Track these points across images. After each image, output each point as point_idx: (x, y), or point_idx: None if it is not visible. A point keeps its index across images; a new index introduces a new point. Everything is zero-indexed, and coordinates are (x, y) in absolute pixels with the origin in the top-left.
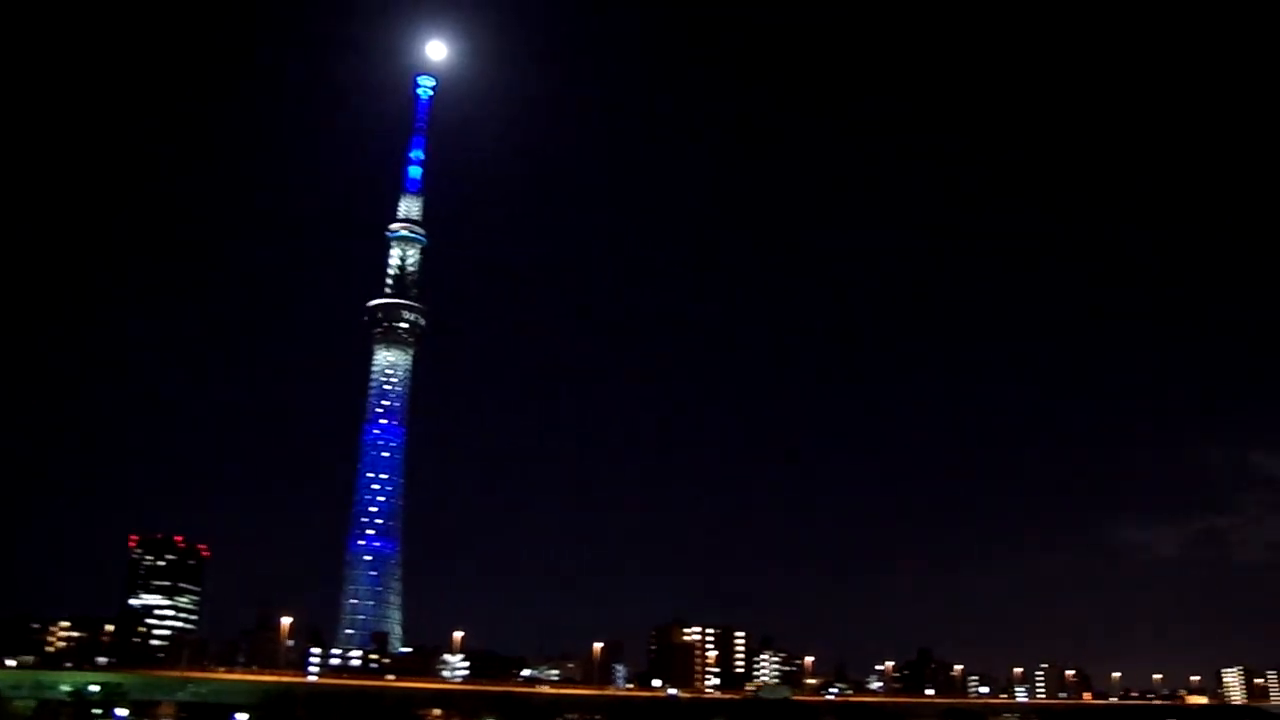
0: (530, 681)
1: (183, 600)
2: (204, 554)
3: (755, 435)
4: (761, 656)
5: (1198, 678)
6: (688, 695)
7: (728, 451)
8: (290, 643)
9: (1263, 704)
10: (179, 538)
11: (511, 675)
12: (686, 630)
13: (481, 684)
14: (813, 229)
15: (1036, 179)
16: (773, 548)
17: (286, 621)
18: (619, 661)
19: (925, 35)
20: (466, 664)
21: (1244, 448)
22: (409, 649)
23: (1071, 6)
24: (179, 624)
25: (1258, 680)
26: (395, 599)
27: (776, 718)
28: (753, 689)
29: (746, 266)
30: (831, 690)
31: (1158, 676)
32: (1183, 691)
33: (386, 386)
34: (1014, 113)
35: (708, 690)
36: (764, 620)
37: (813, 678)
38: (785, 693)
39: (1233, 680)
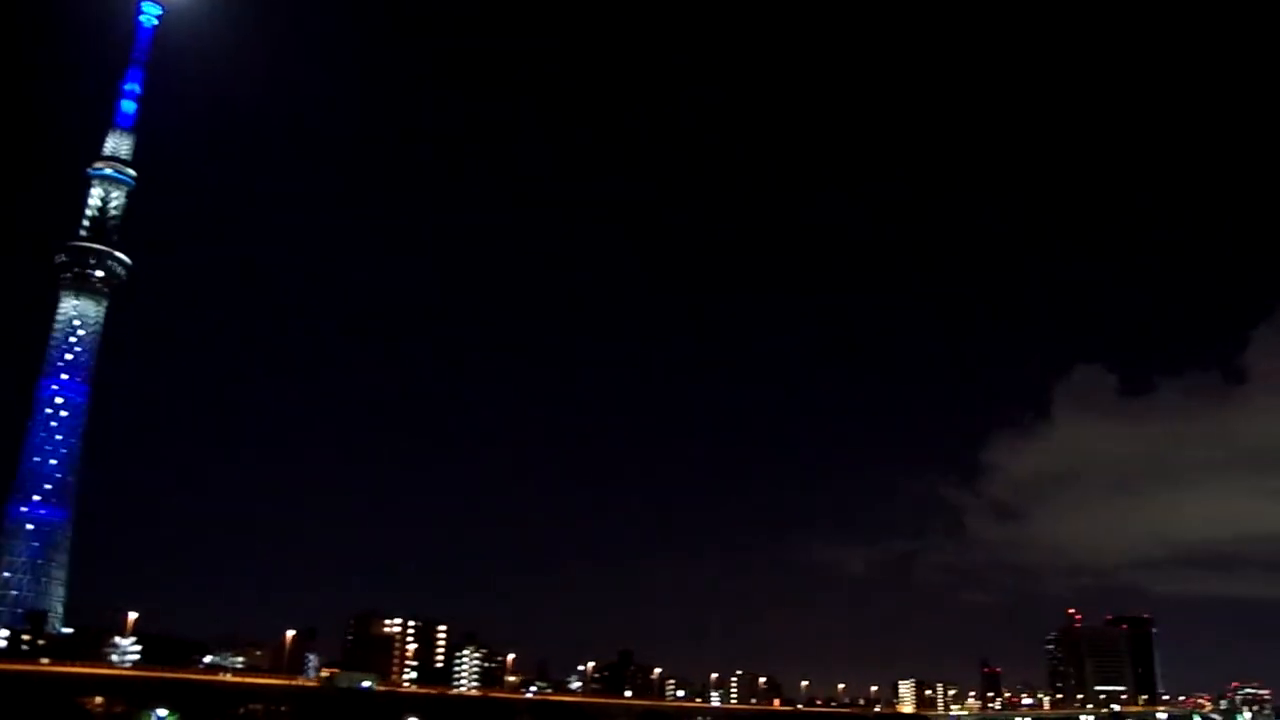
0: (212, 669)
1: None
2: None
3: (468, 430)
4: (463, 652)
5: (876, 688)
6: (383, 688)
7: (440, 445)
8: None
9: (930, 713)
10: None
11: (191, 662)
12: (387, 621)
13: (154, 670)
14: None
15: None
16: (482, 544)
17: None
18: (312, 650)
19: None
20: (139, 648)
21: (932, 480)
22: (71, 630)
23: None
24: None
25: (928, 691)
26: (59, 574)
27: (472, 715)
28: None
29: (470, 233)
30: (531, 688)
31: (841, 686)
32: (895, 701)
33: (72, 339)
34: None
35: (405, 684)
36: (469, 616)
37: (513, 675)
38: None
39: (906, 691)
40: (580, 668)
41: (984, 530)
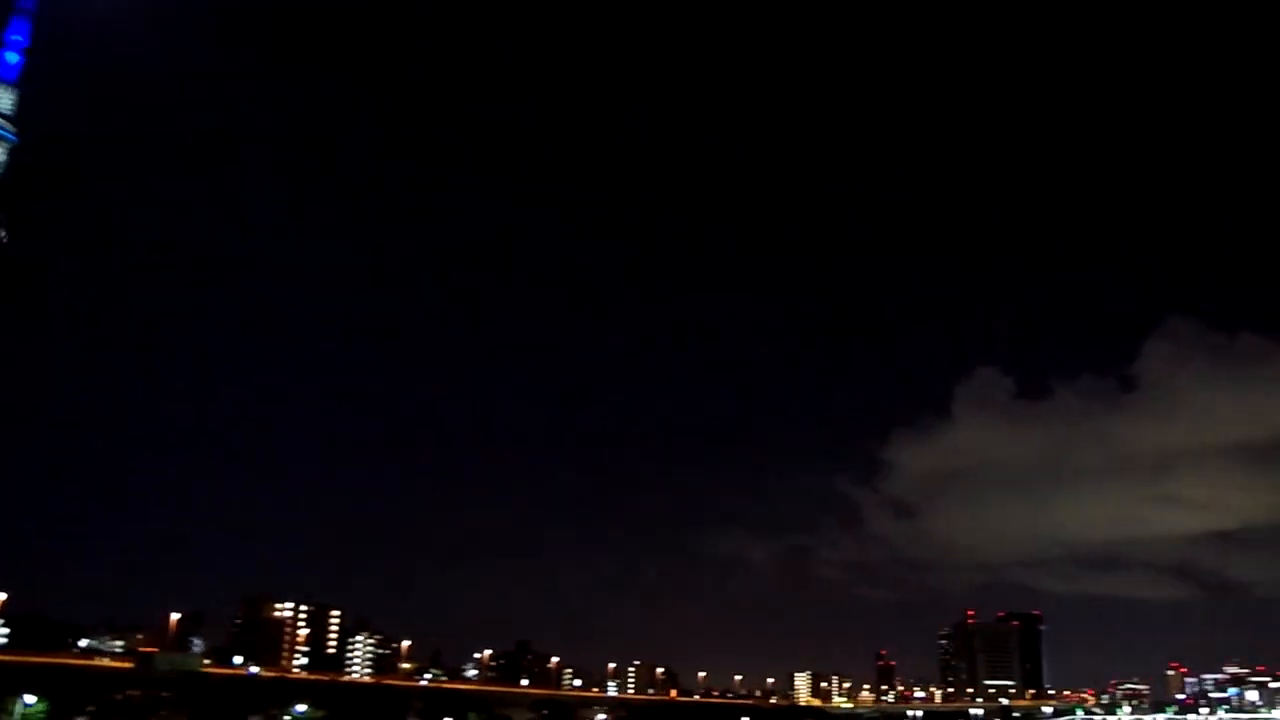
0: (88, 653)
1: None
2: None
3: (369, 415)
4: (356, 638)
5: (772, 679)
6: (270, 674)
7: (339, 428)
8: None
9: (826, 705)
10: None
11: (66, 646)
12: (278, 605)
13: (21, 654)
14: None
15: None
16: (381, 530)
17: None
18: (197, 634)
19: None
20: (6, 630)
21: (833, 476)
22: None
23: None
24: None
25: (823, 684)
26: None
27: (364, 702)
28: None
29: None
30: (425, 676)
31: (738, 677)
32: (791, 693)
33: None
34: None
35: (295, 670)
36: (365, 602)
37: (408, 662)
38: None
39: (802, 683)
40: (476, 656)
41: (882, 526)
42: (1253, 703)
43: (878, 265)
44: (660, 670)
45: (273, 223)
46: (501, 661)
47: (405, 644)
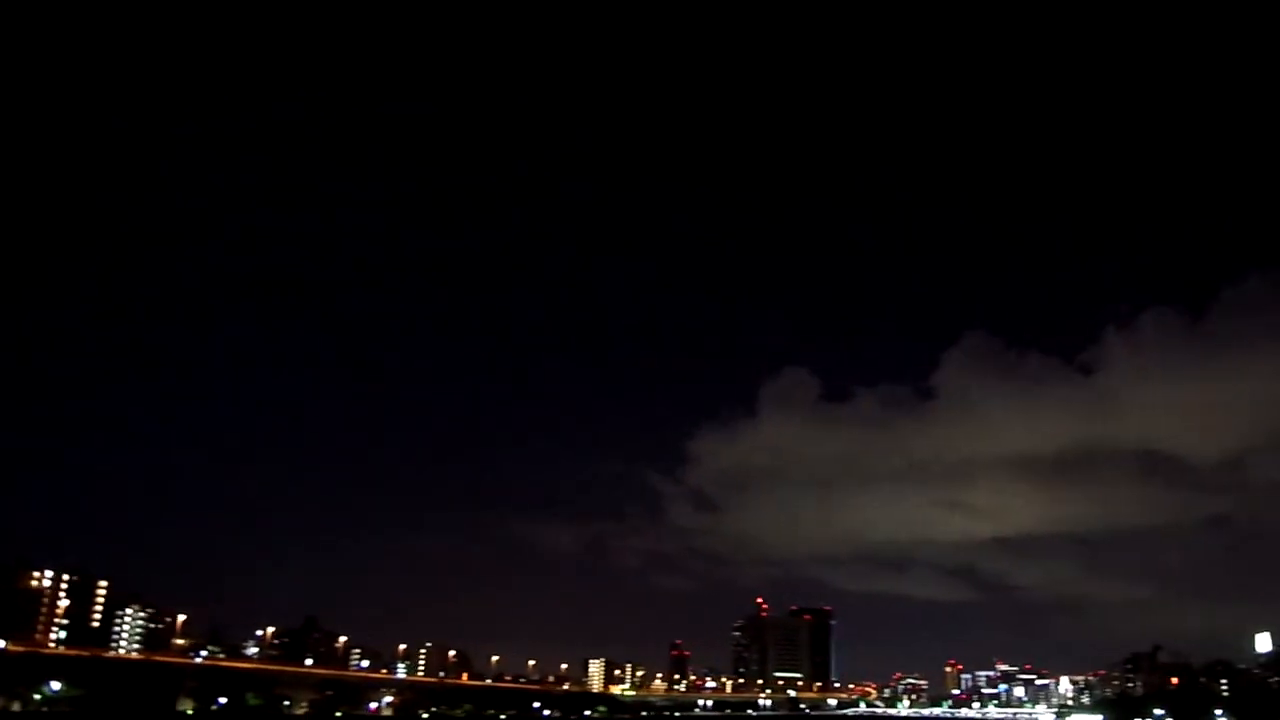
0: None
1: None
2: None
3: (159, 374)
4: (125, 611)
5: (566, 665)
6: (20, 649)
7: (119, 384)
8: None
9: (619, 693)
10: None
11: None
12: (35, 574)
13: None
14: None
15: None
16: (158, 495)
17: None
18: None
19: None
20: None
21: (637, 465)
22: None
23: None
24: None
25: (617, 670)
26: None
27: (130, 680)
28: None
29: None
30: (201, 653)
31: (532, 662)
32: (585, 679)
33: None
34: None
35: (51, 645)
36: (140, 574)
37: (182, 638)
38: None
39: (596, 669)
40: (259, 633)
41: (683, 517)
42: (1019, 698)
43: (694, 261)
44: (453, 653)
45: None
46: (286, 640)
47: (181, 619)
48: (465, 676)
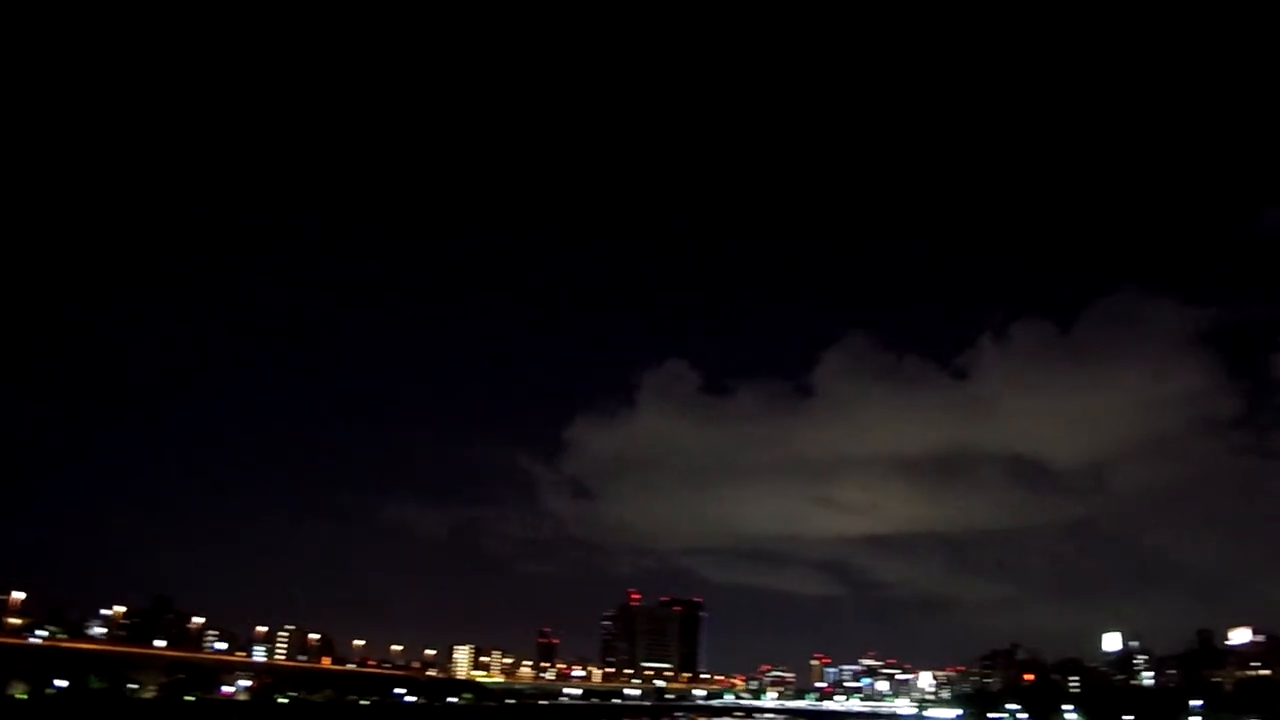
0: None
1: None
2: None
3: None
4: None
5: (433, 651)
6: None
7: None
8: None
9: (484, 680)
10: None
11: None
12: None
13: None
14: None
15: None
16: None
17: None
18: None
19: None
20: None
21: (510, 450)
22: None
23: None
24: None
25: (483, 658)
26: None
27: None
28: None
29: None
30: (39, 633)
31: (398, 648)
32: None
33: None
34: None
35: None
36: None
37: (18, 617)
38: None
39: (462, 656)
40: (105, 612)
41: (558, 504)
42: (882, 692)
43: (576, 249)
44: (315, 637)
45: None
46: (136, 620)
47: (17, 595)
48: (328, 661)
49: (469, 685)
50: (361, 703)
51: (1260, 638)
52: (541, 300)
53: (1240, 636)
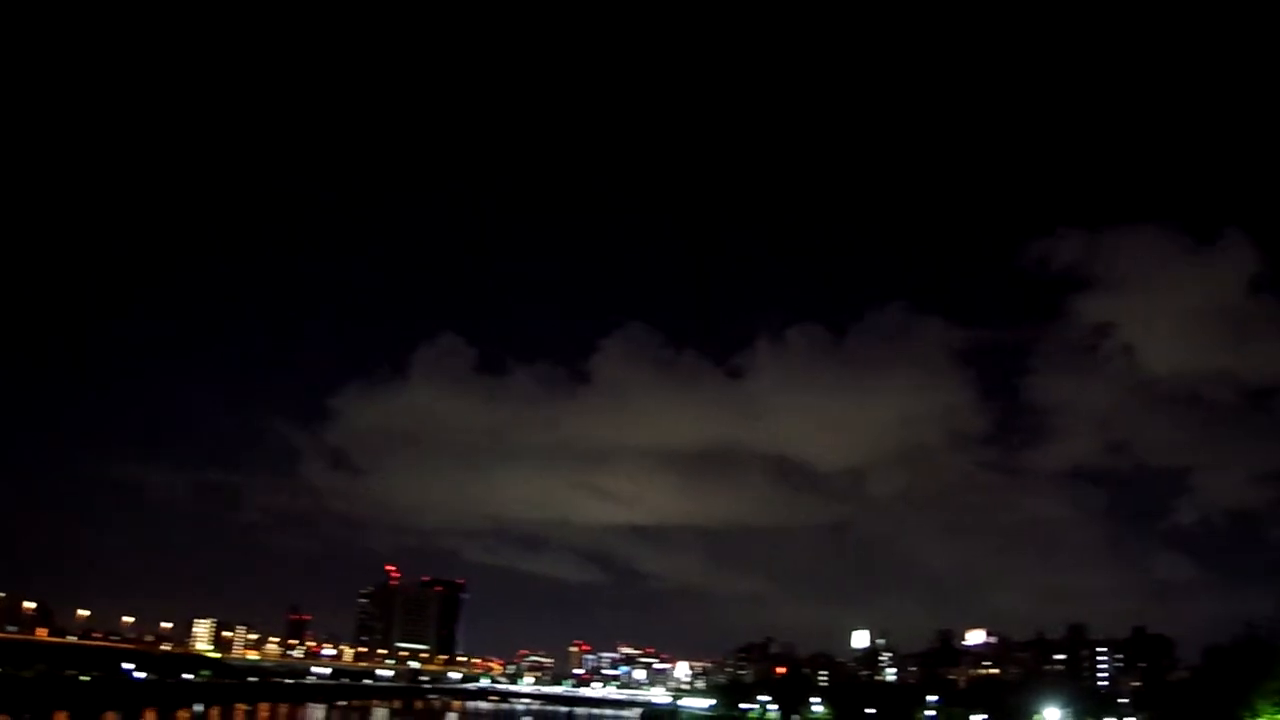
0: None
1: None
2: None
3: None
4: None
5: (170, 624)
6: None
7: None
8: None
9: (226, 656)
10: None
11: None
12: None
13: None
14: None
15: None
16: None
17: None
18: None
19: None
20: None
21: (268, 415)
22: None
23: None
24: None
25: (227, 633)
26: None
27: None
28: None
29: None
30: None
31: (129, 619)
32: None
33: None
34: None
35: None
36: None
37: None
38: None
39: (203, 630)
40: None
41: (317, 476)
42: (639, 681)
43: (359, 218)
44: (30, 605)
45: None
46: None
47: None
48: (44, 633)
49: (207, 661)
50: (81, 678)
51: (993, 639)
52: (312, 266)
53: (975, 637)
